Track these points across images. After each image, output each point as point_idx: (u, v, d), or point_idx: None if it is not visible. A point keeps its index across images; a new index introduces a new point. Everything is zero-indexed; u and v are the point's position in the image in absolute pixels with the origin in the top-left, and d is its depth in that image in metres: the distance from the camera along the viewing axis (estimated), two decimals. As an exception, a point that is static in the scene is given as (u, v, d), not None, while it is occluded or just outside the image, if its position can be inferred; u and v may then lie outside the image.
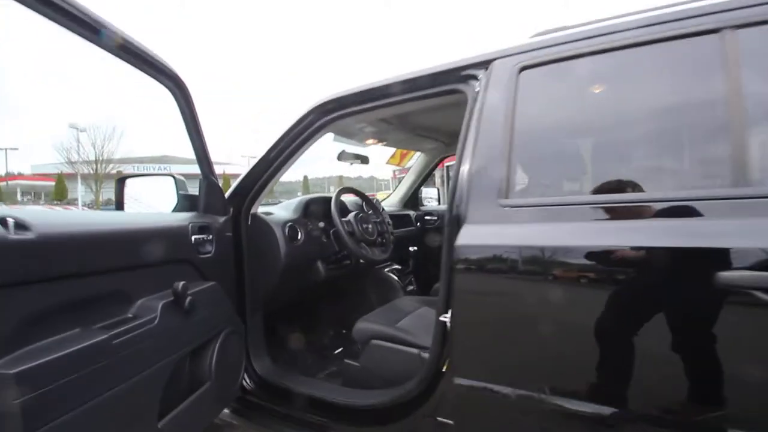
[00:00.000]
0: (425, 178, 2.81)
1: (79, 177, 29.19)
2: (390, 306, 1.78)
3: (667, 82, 0.90)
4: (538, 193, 1.04)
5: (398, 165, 3.15)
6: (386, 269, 2.21)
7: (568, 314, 0.88)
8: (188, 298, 1.10)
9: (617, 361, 0.82)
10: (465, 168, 1.14)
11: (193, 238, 1.27)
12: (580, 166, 1.03)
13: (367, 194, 2.07)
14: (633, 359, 0.80)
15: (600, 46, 0.99)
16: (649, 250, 0.80)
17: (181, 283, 1.09)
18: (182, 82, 1.26)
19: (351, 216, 1.80)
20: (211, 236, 1.37)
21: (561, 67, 1.06)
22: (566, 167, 1.04)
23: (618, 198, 0.88)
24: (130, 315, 1.00)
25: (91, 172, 30.23)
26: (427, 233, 2.81)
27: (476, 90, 1.22)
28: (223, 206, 1.53)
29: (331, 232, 1.82)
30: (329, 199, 1.85)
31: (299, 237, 1.71)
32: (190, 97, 1.30)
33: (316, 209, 1.92)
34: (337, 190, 1.82)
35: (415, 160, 2.91)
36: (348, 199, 2.22)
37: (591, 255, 0.85)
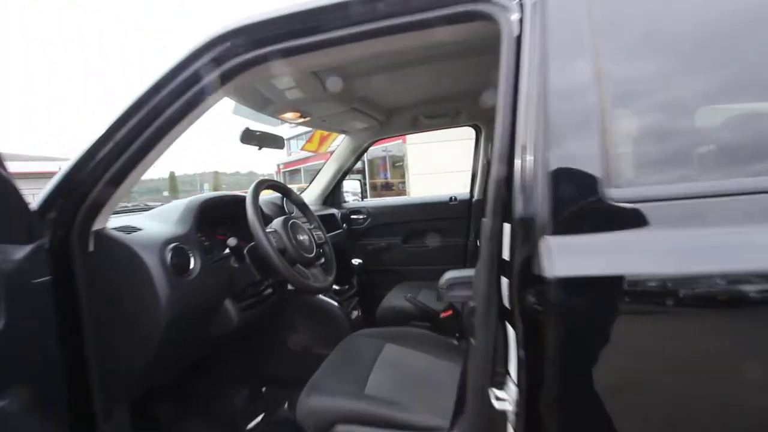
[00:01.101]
0: (350, 167, 2.26)
1: None
2: (342, 354, 1.21)
3: None
4: (676, 173, 0.60)
5: (316, 151, 2.51)
6: (319, 291, 1.61)
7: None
8: None
9: None
10: (522, 139, 0.65)
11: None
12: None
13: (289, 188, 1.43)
14: None
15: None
16: None
17: None
18: None
19: (277, 224, 1.17)
20: None
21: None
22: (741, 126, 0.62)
23: None
24: None
25: None
26: (358, 236, 2.28)
27: (517, 14, 0.73)
28: (27, 225, 0.77)
29: (246, 251, 1.16)
30: (239, 199, 1.19)
31: (192, 266, 1.02)
32: None
33: (219, 216, 1.23)
34: (255, 183, 1.16)
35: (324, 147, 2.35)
36: (263, 198, 1.56)
37: None
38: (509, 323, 0.66)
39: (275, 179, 1.29)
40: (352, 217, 2.30)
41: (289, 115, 1.55)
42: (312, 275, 1.17)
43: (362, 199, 2.60)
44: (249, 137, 1.52)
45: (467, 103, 1.87)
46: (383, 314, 1.72)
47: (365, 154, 2.31)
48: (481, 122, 2.00)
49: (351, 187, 2.54)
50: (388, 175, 15.05)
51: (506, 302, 0.67)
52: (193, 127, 0.97)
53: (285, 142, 1.77)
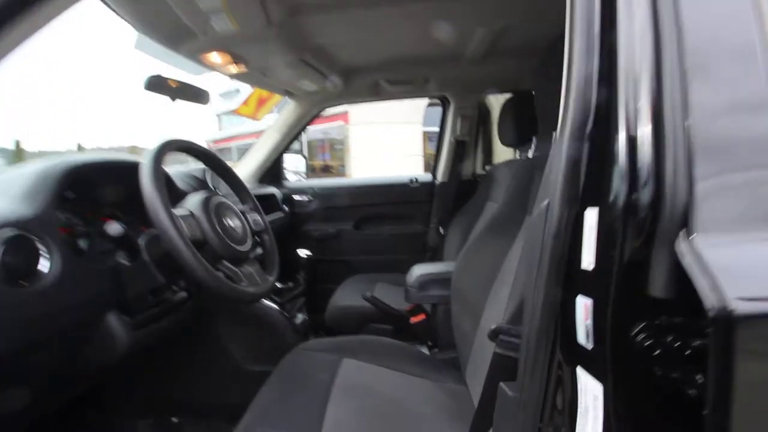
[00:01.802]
0: (294, 138, 1.89)
1: None
2: (287, 375, 0.91)
3: None
4: None
5: (252, 116, 2.06)
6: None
7: None
8: None
9: None
10: (631, 64, 0.39)
11: None
12: None
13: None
14: None
15: None
16: None
17: None
18: None
19: (194, 203, 0.80)
20: None
21: None
22: None
23: None
24: None
25: None
26: (302, 221, 1.93)
27: None
28: None
29: (145, 244, 0.78)
30: (132, 165, 0.80)
31: (46, 266, 0.64)
32: None
33: (99, 187, 0.84)
34: (159, 144, 0.77)
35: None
36: (176, 169, 1.18)
37: None
38: (587, 370, 0.41)
39: (191, 141, 0.91)
40: (296, 198, 1.95)
41: (216, 57, 1.15)
42: (246, 275, 0.83)
43: (306, 178, 2.25)
44: (157, 85, 1.11)
45: (438, 70, 1.60)
46: (335, 316, 1.42)
47: (304, 134, 1.95)
48: (450, 94, 1.75)
49: (293, 163, 2.17)
50: (328, 156, 14.50)
51: (582, 337, 0.41)
52: (106, 88, 0.58)
53: (216, 109, 1.36)
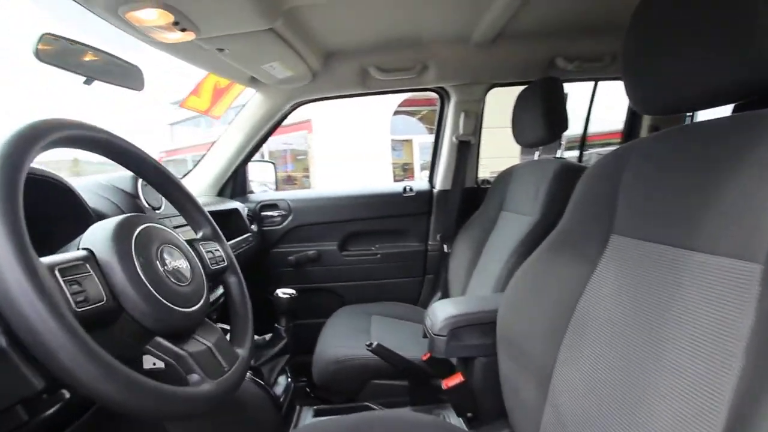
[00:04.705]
0: (261, 141, 1.53)
1: None
2: None
3: None
4: None
5: (206, 112, 1.66)
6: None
7: None
8: None
9: None
10: None
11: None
12: None
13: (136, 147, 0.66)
14: None
15: None
16: None
17: None
18: None
19: (100, 233, 0.45)
20: None
21: None
22: None
23: None
24: None
25: None
26: (274, 242, 1.56)
27: None
28: None
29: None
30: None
31: None
32: None
33: None
34: (18, 131, 0.41)
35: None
36: (94, 179, 0.82)
37: None
38: None
39: (86, 122, 0.54)
40: (265, 214, 1.58)
41: (150, 15, 0.79)
42: (196, 358, 0.48)
43: (276, 189, 1.89)
44: (59, 53, 0.75)
45: (440, 55, 1.31)
46: (327, 372, 1.06)
47: (265, 145, 1.59)
48: (451, 85, 1.47)
49: (260, 172, 1.80)
50: (291, 167, 14.00)
51: None
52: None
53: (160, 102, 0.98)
